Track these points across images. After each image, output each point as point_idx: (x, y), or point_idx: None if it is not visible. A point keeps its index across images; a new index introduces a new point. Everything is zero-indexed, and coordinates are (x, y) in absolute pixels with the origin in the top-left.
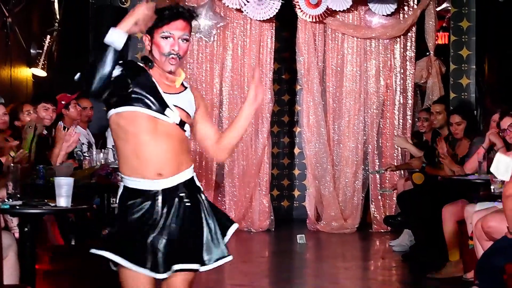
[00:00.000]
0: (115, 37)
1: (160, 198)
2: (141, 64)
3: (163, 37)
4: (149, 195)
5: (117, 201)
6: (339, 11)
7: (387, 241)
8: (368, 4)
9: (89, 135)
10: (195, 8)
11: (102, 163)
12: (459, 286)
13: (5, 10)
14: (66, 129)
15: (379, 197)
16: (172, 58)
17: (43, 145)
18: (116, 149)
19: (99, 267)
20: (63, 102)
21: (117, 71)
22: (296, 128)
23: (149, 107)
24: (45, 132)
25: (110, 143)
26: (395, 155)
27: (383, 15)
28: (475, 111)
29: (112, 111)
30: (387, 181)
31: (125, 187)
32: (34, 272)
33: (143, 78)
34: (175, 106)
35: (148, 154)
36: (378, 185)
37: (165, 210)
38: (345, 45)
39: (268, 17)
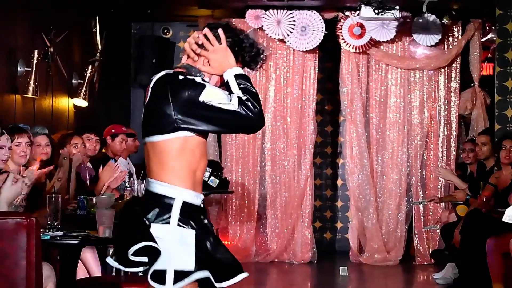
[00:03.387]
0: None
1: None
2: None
3: None
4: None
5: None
6: (383, 41)
7: (431, 274)
8: (412, 34)
9: (130, 164)
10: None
11: (143, 193)
12: None
13: (47, 40)
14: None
15: (423, 229)
16: None
17: (90, 180)
18: (182, 168)
19: None
20: (113, 131)
21: None
22: (339, 159)
23: None
24: (89, 164)
25: None
26: (438, 187)
27: (428, 46)
28: None
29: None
30: (430, 213)
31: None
32: None
33: None
34: None
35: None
36: (422, 218)
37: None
38: (389, 76)
39: (311, 48)
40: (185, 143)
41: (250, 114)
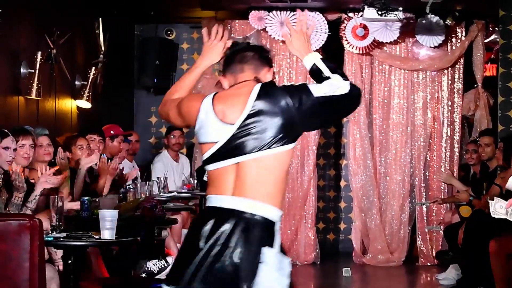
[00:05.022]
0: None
1: None
2: None
3: None
4: None
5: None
6: (386, 43)
7: (434, 275)
8: (416, 35)
9: (135, 167)
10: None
11: (147, 195)
12: None
13: (50, 42)
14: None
15: (425, 228)
16: None
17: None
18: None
19: None
20: (112, 132)
21: None
22: (342, 160)
23: None
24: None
25: (154, 175)
26: (442, 188)
27: (431, 47)
28: None
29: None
30: (433, 214)
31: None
32: None
33: None
34: None
35: None
36: (425, 219)
37: None
38: (392, 77)
39: (315, 49)
40: (289, 157)
41: (358, 89)
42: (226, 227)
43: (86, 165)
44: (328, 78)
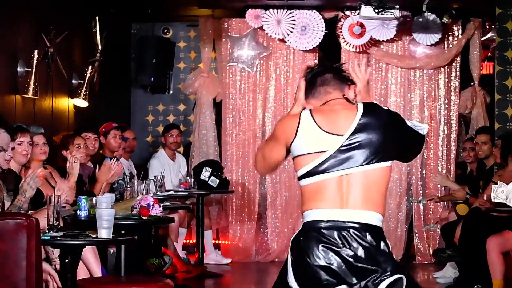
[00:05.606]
0: None
1: None
2: None
3: None
4: None
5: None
6: (383, 41)
7: (431, 273)
8: (412, 34)
9: (131, 166)
10: None
11: (144, 194)
12: None
13: (47, 40)
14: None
15: (422, 228)
16: None
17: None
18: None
19: None
20: (103, 129)
21: None
22: None
23: None
24: (90, 164)
25: (151, 174)
26: (438, 186)
27: (428, 45)
28: None
29: None
30: (431, 212)
31: None
32: None
33: None
34: None
35: None
36: (422, 217)
37: None
38: (389, 75)
39: (311, 47)
40: (389, 173)
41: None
42: (341, 240)
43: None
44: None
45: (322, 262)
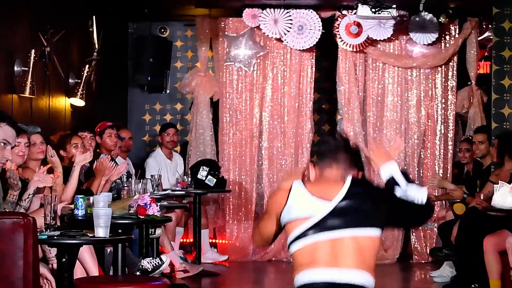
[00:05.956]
0: None
1: None
2: None
3: None
4: None
5: None
6: (380, 40)
7: (428, 272)
8: (409, 33)
9: (129, 165)
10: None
11: (141, 193)
12: None
13: (44, 40)
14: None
15: (420, 227)
16: None
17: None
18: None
19: None
20: (98, 129)
21: None
22: None
23: None
24: (87, 163)
25: (148, 173)
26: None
27: (424, 45)
28: None
29: None
30: None
31: None
32: None
33: None
34: None
35: None
36: None
37: None
38: (386, 75)
39: (308, 47)
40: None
41: (432, 204)
42: None
43: (80, 163)
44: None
45: None
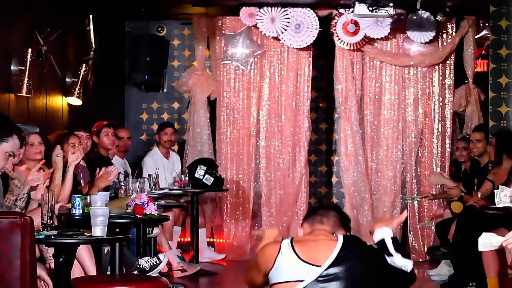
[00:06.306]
0: None
1: None
2: None
3: None
4: None
5: None
6: (377, 39)
7: (426, 271)
8: (407, 31)
9: (126, 164)
10: None
11: (138, 192)
12: None
13: (40, 39)
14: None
15: (417, 225)
16: None
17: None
18: None
19: None
20: (95, 129)
21: None
22: (334, 157)
23: None
24: (82, 162)
25: (145, 172)
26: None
27: (422, 43)
28: None
29: None
30: (425, 210)
31: None
32: None
33: None
34: None
35: None
36: (417, 215)
37: None
38: (383, 73)
39: (306, 45)
40: None
41: (414, 274)
42: None
43: (74, 163)
44: (390, 254)
45: None
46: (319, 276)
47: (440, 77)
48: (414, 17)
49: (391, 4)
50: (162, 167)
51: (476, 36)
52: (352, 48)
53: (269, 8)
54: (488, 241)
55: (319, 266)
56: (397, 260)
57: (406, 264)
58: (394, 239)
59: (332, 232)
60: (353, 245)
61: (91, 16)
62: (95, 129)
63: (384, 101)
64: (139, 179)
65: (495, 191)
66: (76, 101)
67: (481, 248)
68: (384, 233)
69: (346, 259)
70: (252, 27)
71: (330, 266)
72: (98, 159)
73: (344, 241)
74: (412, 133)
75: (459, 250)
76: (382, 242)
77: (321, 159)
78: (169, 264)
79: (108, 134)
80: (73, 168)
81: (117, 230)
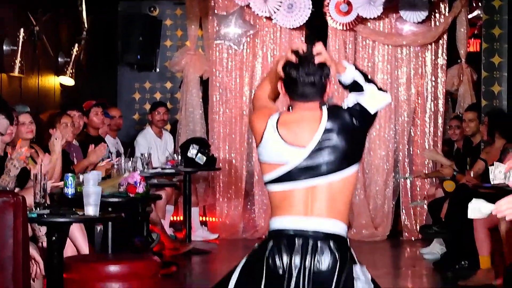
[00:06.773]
0: None
1: None
2: None
3: None
4: None
5: None
6: (370, 18)
7: (418, 249)
8: (399, 11)
9: (118, 144)
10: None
11: (131, 171)
12: None
13: (33, 19)
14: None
15: (410, 205)
16: None
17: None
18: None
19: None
20: (85, 109)
21: None
22: None
23: None
24: (75, 142)
25: (138, 151)
26: (425, 162)
27: (414, 23)
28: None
29: None
30: (418, 189)
31: None
32: (62, 281)
33: None
34: None
35: None
36: (409, 194)
37: None
38: (376, 53)
39: (298, 25)
40: (356, 179)
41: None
42: (304, 248)
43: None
44: (361, 87)
45: (276, 269)
46: (305, 158)
47: (433, 57)
48: None
49: None
50: (154, 146)
51: (469, 16)
52: (344, 28)
53: None
54: (477, 208)
55: (304, 147)
56: (379, 95)
57: (385, 96)
58: (362, 73)
59: (317, 107)
60: (336, 118)
61: None
62: (84, 109)
63: (376, 81)
64: (131, 159)
65: (489, 167)
66: (68, 81)
67: (470, 215)
68: (352, 73)
69: (331, 135)
70: (245, 7)
71: (315, 146)
72: (91, 138)
73: (328, 116)
74: (405, 113)
75: (451, 229)
76: (354, 84)
77: None
78: (161, 242)
79: (98, 113)
80: (60, 146)
81: (110, 209)
